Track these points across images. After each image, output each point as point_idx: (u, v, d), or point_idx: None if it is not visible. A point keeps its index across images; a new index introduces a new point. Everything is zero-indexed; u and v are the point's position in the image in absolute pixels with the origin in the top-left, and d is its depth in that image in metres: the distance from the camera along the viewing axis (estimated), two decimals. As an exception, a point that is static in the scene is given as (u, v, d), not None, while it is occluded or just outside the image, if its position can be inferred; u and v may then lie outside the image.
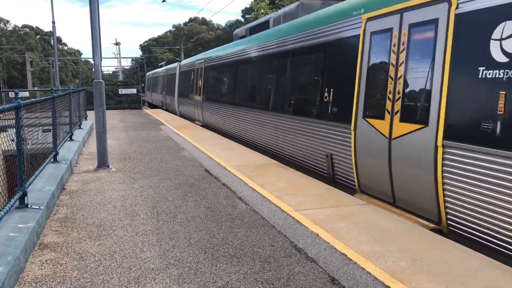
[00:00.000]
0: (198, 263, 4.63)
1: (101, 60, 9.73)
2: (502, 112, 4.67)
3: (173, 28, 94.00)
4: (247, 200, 6.98)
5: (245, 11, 57.79)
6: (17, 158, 5.67)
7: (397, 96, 6.37)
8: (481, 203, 5.07)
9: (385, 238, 5.19)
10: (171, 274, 4.38)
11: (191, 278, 4.29)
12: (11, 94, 29.06)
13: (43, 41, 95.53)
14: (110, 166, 9.74)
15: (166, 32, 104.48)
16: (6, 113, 5.34)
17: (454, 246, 4.92)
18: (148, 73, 31.81)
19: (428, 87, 5.81)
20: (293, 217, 6.04)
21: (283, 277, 4.27)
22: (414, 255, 4.67)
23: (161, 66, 41.73)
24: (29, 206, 5.74)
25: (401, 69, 6.31)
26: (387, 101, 6.58)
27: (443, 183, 5.53)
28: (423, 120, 5.85)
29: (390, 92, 6.52)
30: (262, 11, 37.33)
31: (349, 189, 7.72)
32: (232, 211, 6.44)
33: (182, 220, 6.05)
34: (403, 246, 4.93)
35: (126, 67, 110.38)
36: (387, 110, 6.60)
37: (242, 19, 63.04)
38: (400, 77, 6.33)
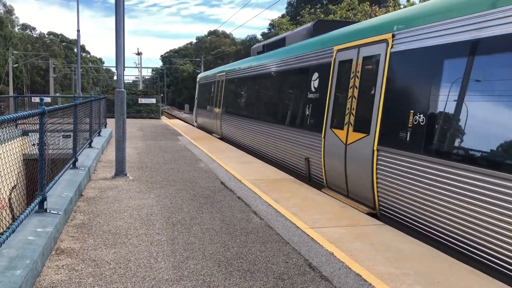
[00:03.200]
0: (211, 276, 4.63)
1: (124, 70, 9.89)
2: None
3: (196, 40, 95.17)
4: (262, 215, 6.98)
5: (271, 26, 58.43)
6: (39, 163, 5.77)
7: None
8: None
9: (400, 260, 5.13)
10: (184, 286, 4.39)
11: (205, 291, 4.29)
12: (34, 99, 29.63)
13: (67, 49, 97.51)
14: (128, 175, 9.84)
15: (187, 44, 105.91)
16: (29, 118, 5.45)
17: (471, 272, 4.83)
18: (201, 76, 27.81)
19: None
20: (308, 234, 6.01)
21: (296, 295, 4.25)
22: (430, 279, 4.61)
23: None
24: (48, 211, 5.83)
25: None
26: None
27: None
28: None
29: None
30: (283, 26, 37.63)
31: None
32: (247, 225, 6.45)
33: (197, 232, 6.07)
34: (418, 269, 4.87)
35: (147, 77, 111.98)
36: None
37: (260, 36, 63.64)
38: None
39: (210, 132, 21.63)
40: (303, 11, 39.17)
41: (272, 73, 13.28)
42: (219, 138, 18.86)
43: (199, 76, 27.91)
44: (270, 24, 60.90)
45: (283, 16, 54.27)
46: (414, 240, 5.90)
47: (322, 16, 32.99)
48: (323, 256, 5.24)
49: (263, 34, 63.07)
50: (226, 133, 18.44)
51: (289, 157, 11.24)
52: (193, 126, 27.04)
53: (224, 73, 19.66)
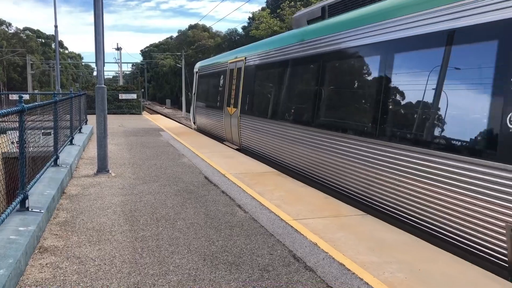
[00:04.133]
0: (197, 270, 4.66)
1: (103, 66, 9.79)
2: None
3: (178, 32, 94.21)
4: (246, 208, 7.02)
5: (251, 19, 58.29)
6: (19, 162, 5.70)
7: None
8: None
9: (382, 249, 5.23)
10: (170, 280, 4.41)
11: (190, 285, 4.32)
12: (11, 97, 29.08)
13: (44, 45, 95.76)
14: (110, 171, 9.77)
15: (167, 38, 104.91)
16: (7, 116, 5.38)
17: (451, 258, 4.96)
18: (200, 65, 21.68)
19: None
20: (292, 226, 6.07)
21: (281, 286, 4.31)
22: (412, 267, 4.71)
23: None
24: (30, 210, 5.77)
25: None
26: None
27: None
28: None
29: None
30: (263, 19, 37.59)
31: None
32: (231, 219, 6.48)
33: (181, 227, 6.08)
34: (401, 257, 4.97)
35: (127, 72, 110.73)
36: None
37: (241, 30, 63.46)
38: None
39: (218, 138, 16.73)
40: (283, 3, 39.16)
41: (361, 50, 7.73)
42: (236, 149, 13.83)
43: (197, 65, 21.92)
44: (249, 18, 60.80)
45: (263, 9, 54.16)
46: (396, 229, 6.01)
47: (302, 9, 33.09)
48: (307, 247, 5.31)
49: (243, 28, 62.93)
50: (250, 144, 12.93)
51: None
52: (191, 128, 22.52)
53: (242, 58, 14.17)
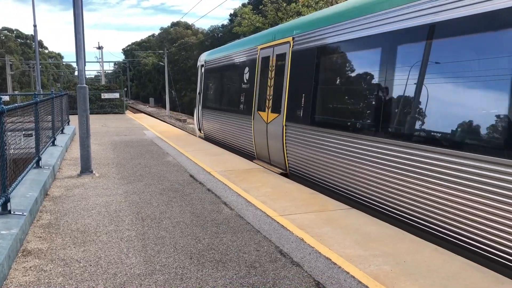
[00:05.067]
0: (184, 269, 4.64)
1: (85, 65, 9.67)
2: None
3: (160, 30, 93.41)
4: (232, 205, 7.01)
5: (233, 16, 58.08)
6: None
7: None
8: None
9: (368, 242, 5.27)
10: (157, 280, 4.39)
11: (177, 283, 4.30)
12: (-9, 98, 28.55)
13: (24, 45, 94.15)
14: (94, 172, 9.67)
15: (149, 36, 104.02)
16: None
17: (435, 250, 5.03)
18: (209, 56, 16.91)
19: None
20: (278, 222, 6.09)
21: (268, 282, 4.31)
22: (397, 259, 4.76)
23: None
24: (12, 212, 5.68)
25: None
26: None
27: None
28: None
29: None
30: (246, 16, 37.47)
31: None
32: (218, 216, 6.47)
33: (167, 226, 6.05)
34: (386, 250, 5.02)
35: (109, 71, 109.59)
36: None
37: (228, 22, 63.09)
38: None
39: (238, 151, 12.78)
40: (265, 0, 39.13)
41: None
42: (282, 173, 9.74)
43: (203, 56, 17.28)
44: (231, 14, 60.60)
45: (244, 5, 54.02)
46: (381, 223, 6.07)
47: (284, 5, 33.02)
48: (293, 242, 5.32)
49: (222, 26, 62.67)
50: (305, 168, 8.84)
51: None
52: (194, 135, 18.46)
53: (287, 40, 9.76)
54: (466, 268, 4.53)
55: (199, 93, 17.31)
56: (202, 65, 17.05)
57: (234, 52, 13.58)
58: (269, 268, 4.65)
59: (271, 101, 10.41)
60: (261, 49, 11.30)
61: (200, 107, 17.07)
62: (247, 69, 12.27)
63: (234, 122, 13.07)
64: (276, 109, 10.13)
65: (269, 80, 10.65)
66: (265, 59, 10.99)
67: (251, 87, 11.82)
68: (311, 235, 5.54)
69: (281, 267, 4.67)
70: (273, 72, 10.46)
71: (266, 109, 10.60)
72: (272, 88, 10.48)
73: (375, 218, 6.30)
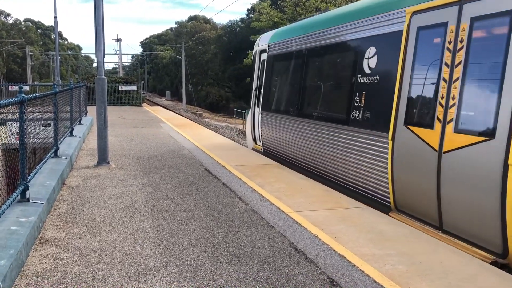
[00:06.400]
0: (198, 262, 4.66)
1: (103, 57, 9.75)
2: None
3: (176, 24, 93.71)
4: (246, 200, 7.02)
5: (250, 11, 57.89)
6: (19, 153, 5.69)
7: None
8: None
9: (383, 241, 5.23)
10: (171, 271, 4.41)
11: (191, 276, 4.32)
12: (11, 88, 29.00)
13: (44, 36, 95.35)
14: (110, 163, 9.76)
15: (167, 29, 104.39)
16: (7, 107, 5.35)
17: (451, 251, 4.96)
18: (274, 37, 11.94)
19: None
20: (292, 218, 6.07)
21: (282, 278, 4.31)
22: (412, 259, 4.71)
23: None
24: (30, 201, 5.77)
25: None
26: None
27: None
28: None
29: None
30: (264, 11, 37.31)
31: None
32: (232, 211, 6.48)
33: (182, 218, 6.08)
34: (401, 250, 4.97)
35: (126, 64, 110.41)
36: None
37: (240, 22, 62.96)
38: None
39: (338, 184, 8.16)
40: (284, -5, 38.92)
41: None
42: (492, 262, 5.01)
43: (265, 38, 12.52)
44: (248, 10, 60.42)
45: (262, 0, 53.87)
46: (395, 222, 6.01)
47: (303, 0, 32.82)
48: (308, 239, 5.31)
49: (241, 20, 62.52)
50: None
51: None
52: (241, 144, 16.03)
53: None
54: (483, 271, 4.46)
55: (256, 89, 12.68)
56: (263, 51, 12.36)
57: (335, 26, 8.60)
58: (283, 264, 4.64)
59: (455, 108, 5.51)
60: (416, 12, 6.34)
61: (258, 110, 12.29)
62: (371, 51, 7.39)
63: (331, 137, 8.30)
64: (474, 125, 5.25)
65: (446, 67, 5.73)
66: (431, 31, 6.10)
67: (384, 82, 7.01)
68: (325, 232, 5.51)
69: (295, 263, 4.66)
70: (462, 53, 5.50)
71: (438, 124, 5.75)
72: (459, 82, 5.49)
73: (389, 217, 6.25)
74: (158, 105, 49.88)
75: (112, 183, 8.04)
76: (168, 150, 11.95)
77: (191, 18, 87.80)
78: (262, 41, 12.71)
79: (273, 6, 37.82)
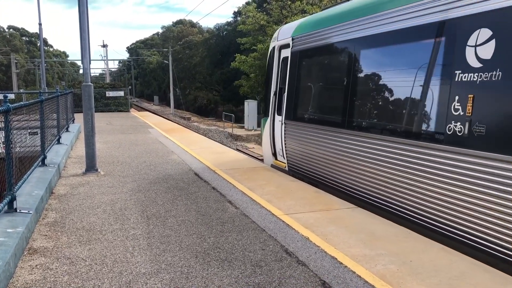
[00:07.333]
0: (189, 268, 4.63)
1: (89, 63, 9.68)
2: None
3: (162, 29, 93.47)
4: (237, 204, 7.00)
5: (236, 14, 57.95)
6: (5, 162, 5.61)
7: None
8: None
9: (374, 241, 5.25)
10: (162, 278, 4.38)
11: (183, 282, 4.29)
12: (-3, 96, 28.67)
13: (29, 43, 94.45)
14: (99, 170, 9.68)
15: (154, 34, 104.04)
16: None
17: (442, 249, 5.00)
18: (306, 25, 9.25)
19: None
20: (283, 221, 6.07)
21: (274, 281, 4.30)
22: (403, 258, 4.74)
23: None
24: (18, 211, 5.69)
25: None
26: None
27: None
28: None
29: None
30: (250, 14, 37.37)
31: None
32: (223, 215, 6.46)
33: (172, 224, 6.04)
34: (392, 249, 4.99)
35: (113, 69, 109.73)
36: None
37: (232, 20, 62.90)
38: None
39: (408, 219, 6.05)
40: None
41: None
42: None
43: (288, 31, 10.13)
44: (234, 13, 60.45)
45: (248, 3, 53.92)
46: (386, 221, 6.04)
47: (289, 3, 32.91)
48: (299, 242, 5.31)
49: (228, 24, 62.52)
50: None
51: None
52: (257, 158, 14.64)
53: None
54: (474, 268, 4.49)
55: (275, 93, 10.47)
56: (285, 46, 10.14)
57: (411, 4, 6.00)
58: (274, 267, 4.63)
59: None
60: None
61: (280, 118, 10.09)
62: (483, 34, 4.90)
63: (414, 159, 5.84)
64: None
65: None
66: None
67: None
68: (316, 234, 5.52)
69: (286, 266, 4.65)
70: None
71: None
72: None
73: (379, 217, 6.27)
74: (146, 110, 49.67)
75: (101, 191, 7.97)
76: (156, 155, 11.89)
77: (177, 23, 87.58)
78: (283, 35, 10.29)
79: (259, 9, 37.90)
